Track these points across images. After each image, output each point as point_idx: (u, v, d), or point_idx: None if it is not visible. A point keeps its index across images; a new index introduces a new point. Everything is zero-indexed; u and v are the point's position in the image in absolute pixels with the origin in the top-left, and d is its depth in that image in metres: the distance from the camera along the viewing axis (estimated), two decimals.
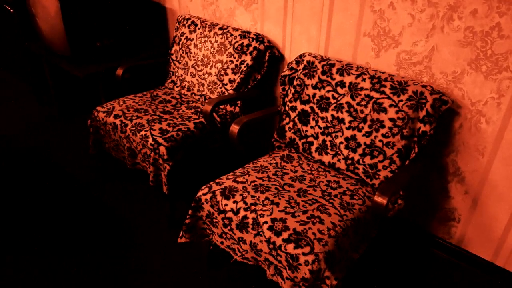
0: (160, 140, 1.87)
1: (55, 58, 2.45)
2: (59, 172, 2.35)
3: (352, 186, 1.61)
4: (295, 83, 1.85)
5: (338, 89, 1.71)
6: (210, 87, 2.22)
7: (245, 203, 1.47)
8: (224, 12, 2.30)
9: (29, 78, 3.16)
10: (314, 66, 1.79)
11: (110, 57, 2.44)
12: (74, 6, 2.17)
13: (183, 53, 2.36)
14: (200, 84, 2.28)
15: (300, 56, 1.86)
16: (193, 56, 2.31)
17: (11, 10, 2.77)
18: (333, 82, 1.73)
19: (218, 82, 2.18)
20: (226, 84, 2.15)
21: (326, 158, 1.76)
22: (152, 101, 2.22)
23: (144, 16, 2.55)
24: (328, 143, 1.75)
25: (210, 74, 2.22)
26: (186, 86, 2.35)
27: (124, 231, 1.96)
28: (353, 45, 1.82)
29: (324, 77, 1.75)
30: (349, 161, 1.69)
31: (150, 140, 1.88)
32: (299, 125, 1.84)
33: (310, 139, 1.80)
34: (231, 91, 2.13)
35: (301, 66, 1.84)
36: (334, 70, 1.73)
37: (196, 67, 2.29)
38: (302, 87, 1.82)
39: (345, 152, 1.70)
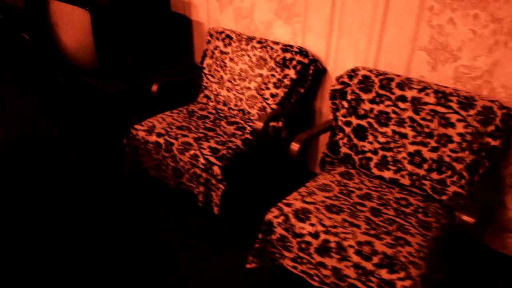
0: (212, 159, 1.78)
1: (78, 72, 2.32)
2: (89, 192, 2.21)
3: (421, 203, 1.57)
4: (348, 97, 1.80)
5: (399, 103, 1.67)
6: (249, 102, 2.14)
7: (323, 225, 1.40)
8: (259, 25, 2.23)
9: (35, 90, 2.98)
10: (370, 80, 1.74)
11: (137, 72, 2.33)
12: (105, 20, 2.05)
13: (217, 67, 2.27)
14: (237, 98, 2.19)
15: (353, 71, 1.81)
16: (229, 70, 2.22)
17: (27, 38, 2.61)
18: (393, 97, 1.68)
19: (258, 97, 2.11)
20: (268, 99, 2.07)
21: (387, 174, 1.71)
22: (191, 118, 2.12)
23: (169, 30, 2.45)
24: (389, 158, 1.70)
25: (248, 88, 2.15)
26: (222, 101, 2.26)
27: (167, 256, 1.84)
28: (406, 58, 1.78)
29: (382, 92, 1.71)
30: (414, 177, 1.64)
31: (202, 160, 1.79)
32: (355, 140, 1.79)
33: (368, 154, 1.75)
34: (273, 106, 2.05)
35: (355, 80, 1.79)
36: (393, 84, 1.69)
37: (232, 81, 2.21)
38: (358, 101, 1.77)
39: (409, 167, 1.65)
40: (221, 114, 2.20)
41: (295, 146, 1.67)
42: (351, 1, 1.83)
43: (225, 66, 2.24)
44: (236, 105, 2.20)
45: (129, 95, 2.21)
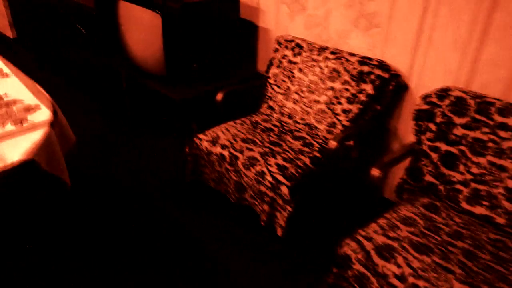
0: (280, 178, 1.66)
1: (143, 76, 2.27)
2: (146, 199, 2.15)
3: None
4: (437, 120, 1.61)
5: (500, 132, 1.47)
6: (318, 116, 2.00)
7: (412, 268, 1.24)
8: (333, 34, 2.08)
9: (95, 91, 3.00)
10: (465, 102, 1.55)
11: (201, 79, 2.25)
12: (176, 25, 1.98)
13: (284, 77, 2.15)
14: (304, 112, 2.06)
15: (444, 90, 1.62)
16: (297, 81, 2.09)
17: (83, 31, 2.62)
18: (492, 123, 1.48)
19: (328, 111, 1.96)
20: (339, 114, 1.92)
21: (479, 210, 1.51)
22: (255, 130, 2.01)
23: (236, 36, 2.36)
24: (482, 192, 1.50)
25: (318, 102, 2.01)
26: (287, 113, 2.13)
27: (225, 276, 1.73)
28: (507, 81, 1.57)
29: (479, 117, 1.51)
30: None
31: (269, 178, 1.67)
32: (443, 169, 1.60)
33: (458, 186, 1.56)
34: (345, 123, 1.90)
35: (446, 101, 1.60)
36: (493, 109, 1.49)
37: (300, 93, 2.08)
38: (449, 125, 1.58)
39: (506, 205, 1.45)
40: (285, 128, 2.07)
41: (376, 172, 1.52)
42: (445, 13, 1.65)
43: (293, 76, 2.11)
44: (302, 119, 2.07)
45: (192, 103, 2.14)
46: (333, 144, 1.67)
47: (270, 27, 2.39)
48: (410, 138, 1.92)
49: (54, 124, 1.39)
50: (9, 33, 4.22)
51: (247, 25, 2.46)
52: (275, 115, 2.19)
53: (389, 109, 1.97)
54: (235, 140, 1.89)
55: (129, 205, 2.11)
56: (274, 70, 2.21)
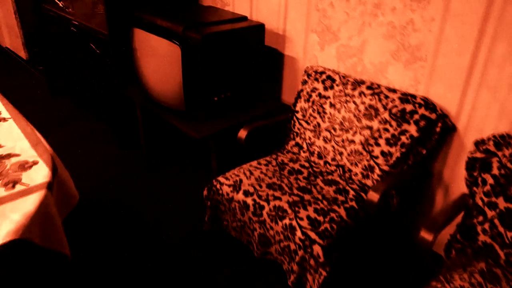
0: (312, 235, 1.48)
1: (159, 108, 2.14)
2: (159, 245, 1.99)
3: None
4: (495, 172, 1.42)
5: None
6: (352, 158, 1.83)
7: None
8: (369, 66, 1.92)
9: (111, 120, 2.88)
10: None
11: (222, 113, 2.10)
12: (197, 57, 1.85)
13: (313, 112, 1.99)
14: (336, 152, 1.89)
15: (503, 137, 1.44)
16: (329, 118, 1.93)
17: (97, 51, 2.52)
18: None
19: (365, 153, 1.79)
20: (377, 157, 1.75)
21: None
22: (281, 172, 1.85)
23: (261, 65, 2.21)
24: None
25: (352, 141, 1.83)
26: (317, 153, 1.97)
27: None
28: None
29: None
30: None
31: (299, 234, 1.49)
32: (501, 229, 1.40)
33: None
34: (385, 167, 1.72)
35: (506, 151, 1.41)
36: None
37: (331, 131, 1.91)
38: (509, 179, 1.39)
39: None
40: (315, 169, 1.90)
41: (428, 236, 1.33)
42: (502, 49, 1.48)
43: (324, 112, 1.95)
44: (334, 160, 1.90)
45: (213, 140, 1.99)
46: (374, 196, 1.49)
47: (297, 56, 2.24)
48: (459, 186, 1.73)
49: (52, 185, 1.21)
50: (22, 53, 4.19)
51: (272, 53, 2.33)
52: (303, 154, 2.02)
53: (433, 152, 1.79)
54: (259, 185, 1.73)
55: (142, 251, 1.95)
56: (302, 104, 2.06)
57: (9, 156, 1.32)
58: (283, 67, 2.35)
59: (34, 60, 3.99)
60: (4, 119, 1.50)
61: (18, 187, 1.17)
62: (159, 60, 2.02)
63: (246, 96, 2.21)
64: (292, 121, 2.11)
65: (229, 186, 1.76)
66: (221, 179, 1.81)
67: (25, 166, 1.27)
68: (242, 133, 1.92)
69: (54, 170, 1.25)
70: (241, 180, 1.77)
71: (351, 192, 1.73)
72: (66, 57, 3.10)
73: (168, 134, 2.73)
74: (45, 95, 3.60)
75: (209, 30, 1.88)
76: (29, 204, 1.09)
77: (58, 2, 2.92)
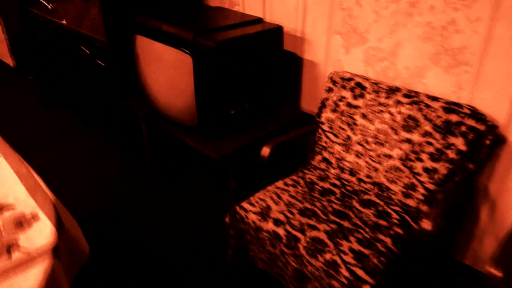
0: (360, 273, 1.32)
1: (167, 124, 1.95)
2: (177, 278, 1.82)
3: None
4: None
5: None
6: (390, 175, 1.66)
7: None
8: (404, 71, 1.75)
9: (112, 133, 2.69)
10: None
11: (241, 127, 1.92)
12: (212, 67, 1.67)
13: (342, 123, 1.82)
14: (371, 168, 1.72)
15: None
16: (360, 130, 1.76)
17: (95, 60, 2.32)
18: None
19: (405, 170, 1.62)
20: (420, 174, 1.58)
21: None
22: (312, 194, 1.68)
23: (278, 71, 2.03)
24: None
25: (389, 156, 1.67)
26: (348, 169, 1.80)
27: None
28: None
29: None
30: None
31: (344, 272, 1.33)
32: None
33: None
34: (430, 185, 1.56)
35: None
36: None
37: (364, 144, 1.74)
38: None
39: None
40: (348, 188, 1.74)
41: (496, 272, 1.16)
42: None
43: (355, 124, 1.78)
44: (369, 177, 1.73)
45: (231, 158, 1.81)
46: (428, 225, 1.33)
47: (317, 60, 2.06)
48: (508, 202, 1.58)
49: (59, 248, 0.98)
50: (9, 61, 3.96)
51: (290, 57, 2.14)
52: (332, 171, 1.85)
53: (481, 166, 1.63)
54: (291, 212, 1.56)
55: (153, 284, 1.78)
56: (328, 115, 1.88)
57: (1, 209, 1.08)
58: (301, 73, 2.17)
59: (23, 68, 3.77)
60: None
61: (16, 255, 0.93)
62: (166, 70, 1.83)
63: (264, 107, 2.03)
64: (317, 133, 1.94)
65: (256, 213, 1.59)
66: (246, 205, 1.63)
67: (22, 222, 1.03)
68: (265, 151, 1.75)
69: (59, 226, 1.03)
70: (269, 207, 1.60)
71: (393, 215, 1.57)
72: (58, 65, 2.89)
73: (177, 148, 2.55)
74: (36, 106, 3.39)
75: (223, 36, 1.70)
76: (32, 280, 0.85)
77: (47, 5, 2.70)
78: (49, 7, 2.73)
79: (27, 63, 3.55)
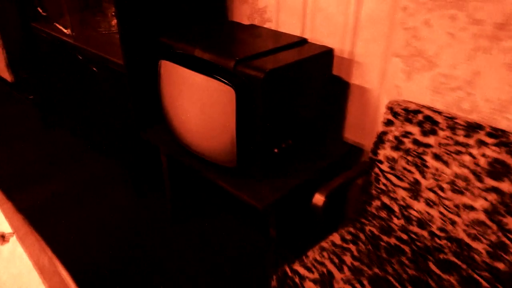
0: None
1: (199, 164, 1.69)
2: None
3: None
4: None
5: None
6: (472, 230, 1.40)
7: None
8: (483, 104, 1.49)
9: (125, 161, 2.42)
10: None
11: (285, 166, 1.66)
12: (259, 100, 1.40)
13: (408, 164, 1.55)
14: (447, 220, 1.46)
15: None
16: (433, 174, 1.49)
17: (108, 84, 2.05)
18: None
19: (492, 225, 1.36)
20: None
21: None
22: (377, 252, 1.41)
23: (324, 99, 1.77)
24: None
25: (471, 208, 1.40)
26: (416, 219, 1.53)
27: None
28: None
29: None
30: None
31: None
32: None
33: None
34: None
35: None
36: None
37: (438, 191, 1.48)
38: None
39: None
40: (418, 244, 1.47)
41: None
42: None
43: (425, 165, 1.52)
44: (443, 230, 1.47)
45: (276, 206, 1.54)
46: None
47: (369, 86, 1.80)
48: None
49: None
50: (7, 76, 3.68)
51: (335, 82, 1.88)
52: (396, 221, 1.58)
53: None
54: (360, 282, 1.29)
55: None
56: (388, 152, 1.62)
57: None
58: (347, 99, 1.91)
59: (22, 85, 3.49)
60: (3, 238, 0.94)
61: None
62: (198, 102, 1.56)
63: (309, 141, 1.77)
64: (374, 174, 1.67)
65: (315, 282, 1.32)
66: (300, 269, 1.37)
67: None
68: (319, 199, 1.48)
69: None
70: (331, 273, 1.33)
71: (483, 284, 1.30)
72: (64, 86, 2.62)
73: (201, 179, 2.28)
74: (37, 128, 3.12)
75: (270, 64, 1.43)
76: None
77: (63, 29, 2.42)
78: (65, 30, 2.44)
79: (26, 80, 3.28)
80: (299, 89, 1.57)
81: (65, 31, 2.35)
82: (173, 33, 1.74)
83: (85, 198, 2.37)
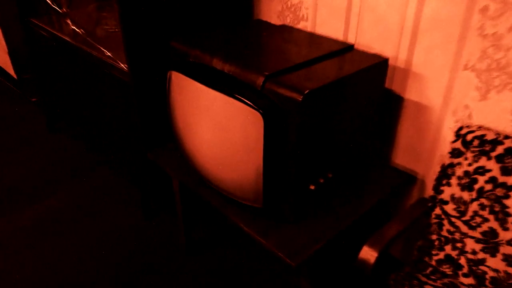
0: None
1: (217, 198, 1.39)
2: None
3: None
4: None
5: None
6: None
7: None
8: None
9: (133, 178, 2.16)
10: None
11: (322, 204, 1.35)
12: (291, 124, 1.10)
13: (482, 209, 1.23)
14: None
15: None
16: None
17: (113, 92, 1.78)
18: None
19: None
20: None
21: None
22: None
23: (372, 118, 1.44)
24: None
25: None
26: (489, 278, 1.21)
27: None
28: None
29: None
30: None
31: None
32: None
33: None
34: None
35: None
36: None
37: None
38: None
39: None
40: None
41: None
42: None
43: (506, 213, 1.19)
44: None
45: (311, 261, 1.24)
46: None
47: (429, 103, 1.47)
48: None
49: None
50: (12, 72, 3.46)
51: (385, 95, 1.55)
52: (464, 279, 1.26)
53: None
54: None
55: None
56: (456, 191, 1.29)
57: None
58: (399, 116, 1.58)
59: (24, 87, 3.26)
60: None
61: None
62: (218, 126, 1.26)
63: (352, 171, 1.45)
64: (435, 216, 1.35)
65: None
66: None
67: None
68: (369, 254, 1.17)
69: None
70: None
71: None
72: (67, 89, 2.36)
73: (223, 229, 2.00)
74: (41, 132, 2.88)
75: (311, 83, 1.12)
76: None
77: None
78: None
79: (29, 81, 3.04)
80: (344, 110, 1.25)
81: (71, 26, 2.08)
82: (187, 36, 1.44)
83: (85, 218, 2.12)
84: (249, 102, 1.12)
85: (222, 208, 1.39)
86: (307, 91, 1.07)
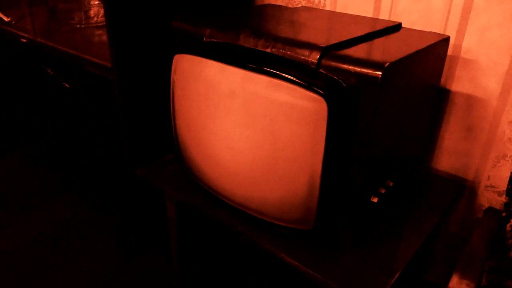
0: None
1: (236, 222, 1.07)
2: None
3: None
4: None
5: None
6: None
7: None
8: None
9: (109, 205, 1.76)
10: None
11: (381, 221, 1.06)
12: (366, 113, 0.81)
13: None
14: None
15: None
16: None
17: (67, 86, 1.41)
18: None
19: None
20: None
21: None
22: None
23: (430, 111, 1.20)
24: None
25: None
26: None
27: None
28: None
29: None
30: None
31: None
32: None
33: None
34: None
35: None
36: None
37: None
38: None
39: None
40: None
41: None
42: None
43: None
44: None
45: None
46: None
47: (484, 95, 1.25)
48: None
49: None
50: None
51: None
52: None
53: None
54: None
55: None
56: None
57: None
58: (443, 112, 1.34)
59: None
60: None
61: None
62: (252, 123, 0.94)
63: (407, 179, 1.18)
64: (509, 226, 1.10)
65: None
66: None
67: None
68: None
69: None
70: None
71: None
72: (20, 97, 1.93)
73: (219, 232, 1.66)
74: None
75: (388, 56, 0.83)
76: None
77: (3, 17, 1.77)
78: (5, 19, 1.79)
79: None
80: (414, 95, 0.99)
81: (6, 19, 1.69)
82: (192, 16, 1.13)
83: (50, 258, 1.68)
84: (303, 83, 0.82)
85: (249, 233, 1.05)
86: (388, 63, 0.79)
